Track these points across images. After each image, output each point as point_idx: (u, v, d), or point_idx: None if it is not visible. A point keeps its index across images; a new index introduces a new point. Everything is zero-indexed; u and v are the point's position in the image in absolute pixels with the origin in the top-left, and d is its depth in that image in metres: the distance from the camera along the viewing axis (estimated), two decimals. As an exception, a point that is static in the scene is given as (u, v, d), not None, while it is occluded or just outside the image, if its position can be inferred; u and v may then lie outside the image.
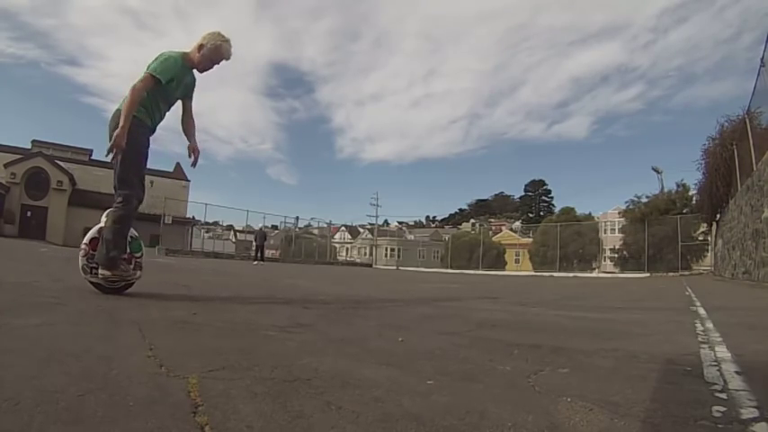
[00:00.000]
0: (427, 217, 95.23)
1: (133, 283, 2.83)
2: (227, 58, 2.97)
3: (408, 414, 0.91)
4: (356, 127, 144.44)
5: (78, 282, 2.80)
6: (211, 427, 0.79)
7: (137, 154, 2.75)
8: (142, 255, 2.93)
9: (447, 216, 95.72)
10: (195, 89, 3.10)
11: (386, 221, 72.27)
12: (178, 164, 34.29)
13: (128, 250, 2.79)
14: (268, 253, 26.45)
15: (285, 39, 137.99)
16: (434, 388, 1.13)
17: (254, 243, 24.27)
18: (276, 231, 44.17)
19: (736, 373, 1.35)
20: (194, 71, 2.98)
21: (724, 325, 2.53)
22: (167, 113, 2.99)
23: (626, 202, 28.97)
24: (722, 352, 1.70)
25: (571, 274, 23.13)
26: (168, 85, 2.77)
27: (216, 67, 2.97)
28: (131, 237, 2.84)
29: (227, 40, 2.93)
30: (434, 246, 50.70)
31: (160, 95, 2.81)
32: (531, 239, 38.30)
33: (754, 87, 10.47)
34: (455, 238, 44.11)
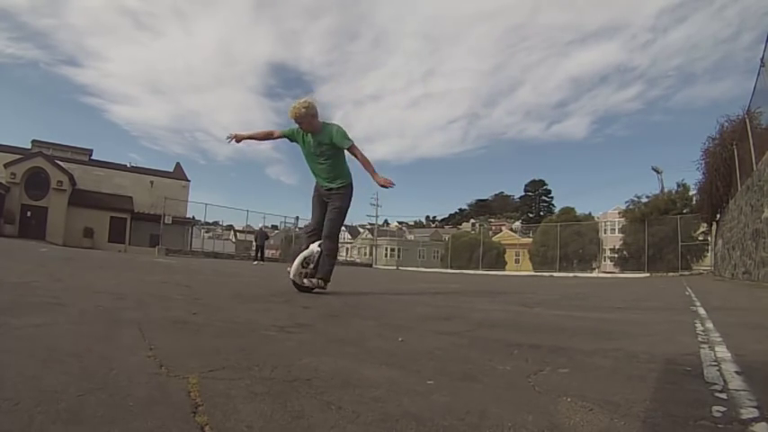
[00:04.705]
0: (427, 217, 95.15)
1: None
2: (290, 116, 3.75)
3: (408, 414, 0.91)
4: (355, 127, 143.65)
5: (78, 282, 2.80)
6: (211, 427, 0.79)
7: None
8: None
9: (447, 216, 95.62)
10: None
11: (386, 221, 72.25)
12: (178, 164, 34.31)
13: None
14: (268, 253, 26.46)
15: (284, 39, 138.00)
16: (434, 388, 1.13)
17: (254, 243, 24.28)
18: (276, 231, 44.14)
19: (737, 373, 1.35)
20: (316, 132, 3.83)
21: (724, 325, 2.52)
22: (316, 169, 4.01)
23: (626, 202, 29.06)
24: (722, 352, 1.70)
25: (571, 274, 23.13)
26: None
27: (299, 123, 3.79)
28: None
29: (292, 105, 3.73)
30: (434, 246, 50.70)
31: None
32: (530, 239, 38.34)
33: (754, 87, 10.46)
34: (455, 238, 44.15)
